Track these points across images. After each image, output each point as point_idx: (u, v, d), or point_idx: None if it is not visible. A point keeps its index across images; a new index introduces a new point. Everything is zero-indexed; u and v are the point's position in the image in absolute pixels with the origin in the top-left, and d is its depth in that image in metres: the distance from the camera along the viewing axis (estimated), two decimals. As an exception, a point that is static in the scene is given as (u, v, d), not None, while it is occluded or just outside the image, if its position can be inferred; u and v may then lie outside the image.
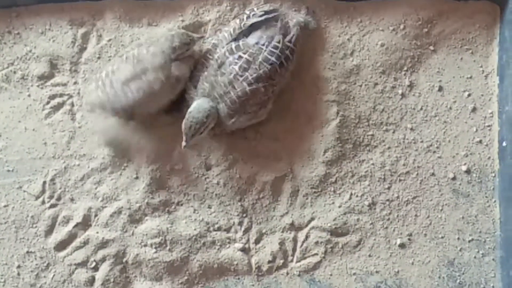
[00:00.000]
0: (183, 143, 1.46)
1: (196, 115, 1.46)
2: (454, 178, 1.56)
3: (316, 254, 1.54)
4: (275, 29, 1.53)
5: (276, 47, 1.50)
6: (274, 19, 1.54)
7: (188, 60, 1.52)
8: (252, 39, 1.52)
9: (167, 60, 1.48)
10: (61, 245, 1.55)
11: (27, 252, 1.55)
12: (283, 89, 1.56)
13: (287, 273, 1.53)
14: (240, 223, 1.55)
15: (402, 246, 1.54)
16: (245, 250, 1.54)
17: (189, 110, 1.47)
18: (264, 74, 1.49)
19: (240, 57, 1.49)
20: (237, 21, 1.55)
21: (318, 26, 1.61)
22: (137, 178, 1.56)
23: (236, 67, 1.49)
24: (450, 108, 1.60)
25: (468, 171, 1.56)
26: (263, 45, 1.50)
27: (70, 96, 1.62)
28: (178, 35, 1.49)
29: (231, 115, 1.50)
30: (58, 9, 1.66)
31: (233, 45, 1.51)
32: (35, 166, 1.58)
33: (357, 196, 1.56)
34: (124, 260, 1.54)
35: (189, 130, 1.46)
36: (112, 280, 1.53)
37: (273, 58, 1.49)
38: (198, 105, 1.48)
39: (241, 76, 1.48)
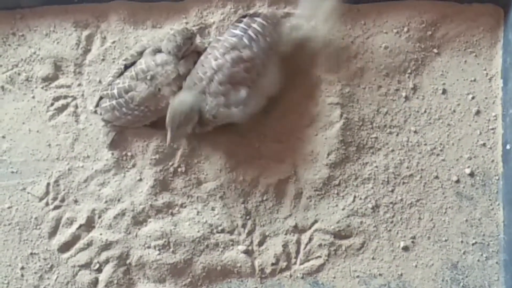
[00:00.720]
0: (168, 138, 1.44)
1: (178, 107, 1.43)
2: (457, 181, 1.56)
3: (320, 256, 1.53)
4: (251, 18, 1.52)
5: (240, 21, 1.50)
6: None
7: (192, 56, 1.53)
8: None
9: (176, 62, 1.49)
10: (65, 247, 1.55)
11: (31, 253, 1.55)
12: (283, 91, 1.56)
13: (291, 276, 1.53)
14: (244, 225, 1.55)
15: (405, 249, 1.54)
16: (248, 253, 1.54)
17: (171, 103, 1.45)
18: (230, 46, 1.46)
19: (214, 41, 1.51)
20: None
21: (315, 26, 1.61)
22: (140, 180, 1.56)
23: (208, 48, 1.50)
24: (454, 111, 1.60)
25: (471, 174, 1.56)
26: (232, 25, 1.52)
27: (74, 98, 1.62)
28: (179, 32, 1.50)
29: (207, 100, 1.46)
30: (62, 11, 1.66)
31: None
32: (39, 168, 1.58)
33: (360, 198, 1.55)
34: (128, 262, 1.54)
35: (173, 123, 1.43)
36: (115, 281, 1.53)
37: (237, 31, 1.48)
38: (180, 98, 1.46)
39: (210, 54, 1.48)
